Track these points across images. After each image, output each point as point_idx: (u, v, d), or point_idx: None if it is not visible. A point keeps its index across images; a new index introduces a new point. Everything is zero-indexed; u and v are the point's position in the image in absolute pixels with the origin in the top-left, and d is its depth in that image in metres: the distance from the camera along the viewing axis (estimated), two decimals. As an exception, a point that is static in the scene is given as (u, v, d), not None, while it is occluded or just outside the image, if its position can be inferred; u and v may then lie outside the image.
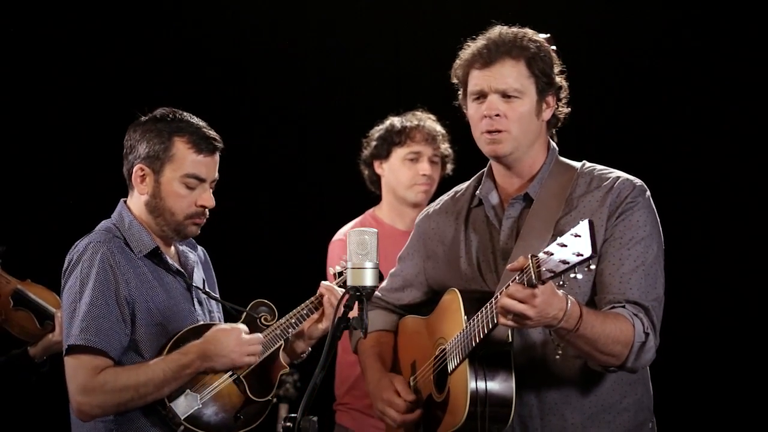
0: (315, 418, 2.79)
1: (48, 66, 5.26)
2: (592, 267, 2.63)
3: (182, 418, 3.23)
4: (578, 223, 2.66)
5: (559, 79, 3.13)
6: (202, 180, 3.32)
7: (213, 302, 3.48)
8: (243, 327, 3.33)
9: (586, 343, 2.86)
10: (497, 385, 2.96)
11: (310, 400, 2.78)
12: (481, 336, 2.91)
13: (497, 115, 3.06)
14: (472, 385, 2.96)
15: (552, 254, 2.64)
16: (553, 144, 3.19)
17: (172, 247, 3.43)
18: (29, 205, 5.15)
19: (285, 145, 5.52)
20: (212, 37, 5.50)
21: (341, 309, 2.84)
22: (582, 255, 2.60)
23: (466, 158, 3.97)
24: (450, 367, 3.05)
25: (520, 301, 2.74)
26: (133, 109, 3.42)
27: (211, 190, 3.36)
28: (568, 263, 2.62)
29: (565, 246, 2.63)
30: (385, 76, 5.52)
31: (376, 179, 4.36)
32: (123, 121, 3.48)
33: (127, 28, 5.36)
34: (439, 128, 4.32)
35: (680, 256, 4.70)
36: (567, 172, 3.12)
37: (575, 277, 2.64)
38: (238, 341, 3.26)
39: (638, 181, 3.08)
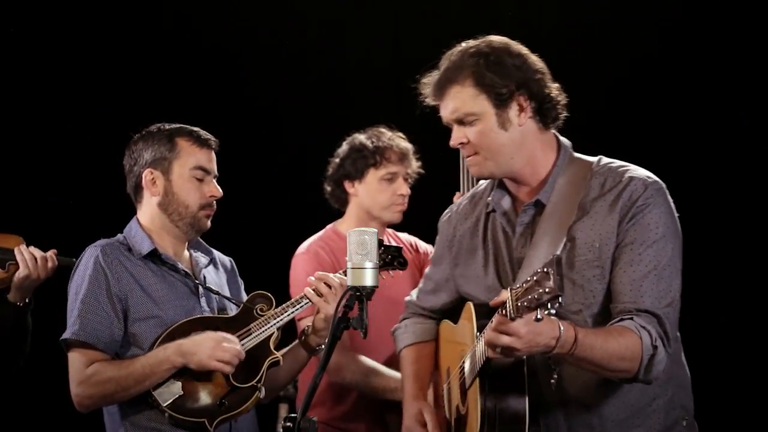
0: (315, 419, 2.78)
1: (47, 66, 5.26)
2: (561, 302, 2.57)
3: (164, 406, 3.33)
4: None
5: (525, 76, 2.96)
6: (207, 172, 3.54)
7: (227, 303, 3.58)
8: (226, 335, 3.39)
9: (588, 363, 2.81)
10: (509, 403, 2.90)
11: (310, 400, 2.78)
12: (484, 359, 2.87)
13: (461, 143, 3.00)
14: (481, 404, 2.92)
15: (528, 288, 2.59)
16: (565, 142, 3.08)
17: (186, 252, 3.61)
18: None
19: (286, 143, 5.51)
20: (210, 38, 5.50)
21: (341, 309, 2.83)
22: (550, 293, 2.55)
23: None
24: (467, 383, 3.03)
25: (506, 334, 2.69)
26: (128, 115, 3.47)
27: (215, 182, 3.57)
28: (539, 300, 2.56)
29: (538, 282, 2.57)
30: (385, 76, 5.51)
31: (344, 197, 4.34)
32: (122, 121, 3.50)
33: (125, 31, 5.36)
34: (409, 145, 4.30)
35: (713, 251, 4.72)
36: (581, 171, 3.01)
37: (549, 313, 2.57)
38: (213, 344, 3.35)
39: (651, 179, 2.96)
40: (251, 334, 3.45)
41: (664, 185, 2.98)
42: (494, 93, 2.95)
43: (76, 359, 3.38)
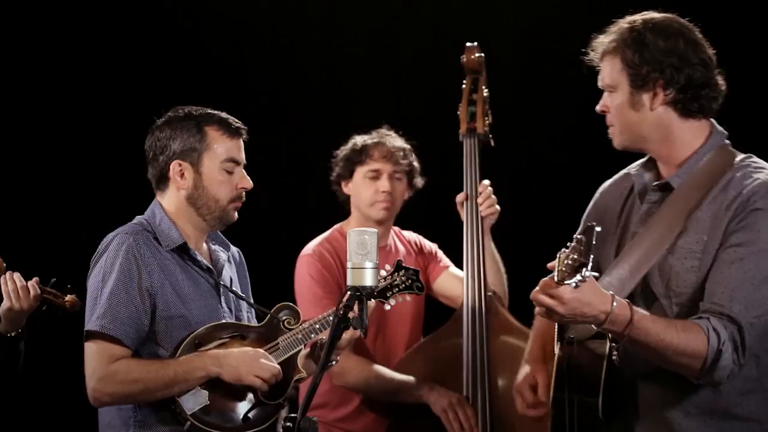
0: (315, 419, 2.77)
1: (49, 66, 5.26)
2: (588, 273, 2.58)
3: (188, 414, 3.22)
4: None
5: (668, 61, 2.90)
6: (238, 163, 3.39)
7: (242, 302, 3.48)
8: (265, 353, 3.31)
9: (643, 348, 2.80)
10: (584, 373, 2.90)
11: (310, 400, 2.77)
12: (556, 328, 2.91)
13: (603, 111, 3.03)
14: (557, 369, 2.94)
15: (568, 254, 2.61)
16: (719, 131, 2.99)
17: (205, 245, 3.46)
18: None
19: (293, 144, 5.51)
20: (211, 37, 5.50)
21: (341, 309, 2.82)
22: (576, 261, 2.58)
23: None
24: (555, 347, 3.04)
25: (549, 297, 2.70)
26: (131, 110, 3.41)
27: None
28: (572, 266, 2.59)
29: (574, 248, 2.60)
30: (387, 76, 5.52)
31: (346, 198, 4.34)
32: (122, 119, 3.46)
33: (127, 28, 5.36)
34: (399, 144, 4.27)
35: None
36: (722, 163, 2.94)
37: (580, 281, 2.59)
38: (253, 359, 3.26)
39: None
40: (279, 348, 3.35)
41: None
42: (632, 72, 2.95)
43: (98, 353, 3.20)
